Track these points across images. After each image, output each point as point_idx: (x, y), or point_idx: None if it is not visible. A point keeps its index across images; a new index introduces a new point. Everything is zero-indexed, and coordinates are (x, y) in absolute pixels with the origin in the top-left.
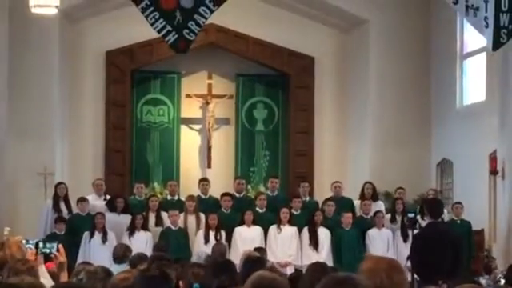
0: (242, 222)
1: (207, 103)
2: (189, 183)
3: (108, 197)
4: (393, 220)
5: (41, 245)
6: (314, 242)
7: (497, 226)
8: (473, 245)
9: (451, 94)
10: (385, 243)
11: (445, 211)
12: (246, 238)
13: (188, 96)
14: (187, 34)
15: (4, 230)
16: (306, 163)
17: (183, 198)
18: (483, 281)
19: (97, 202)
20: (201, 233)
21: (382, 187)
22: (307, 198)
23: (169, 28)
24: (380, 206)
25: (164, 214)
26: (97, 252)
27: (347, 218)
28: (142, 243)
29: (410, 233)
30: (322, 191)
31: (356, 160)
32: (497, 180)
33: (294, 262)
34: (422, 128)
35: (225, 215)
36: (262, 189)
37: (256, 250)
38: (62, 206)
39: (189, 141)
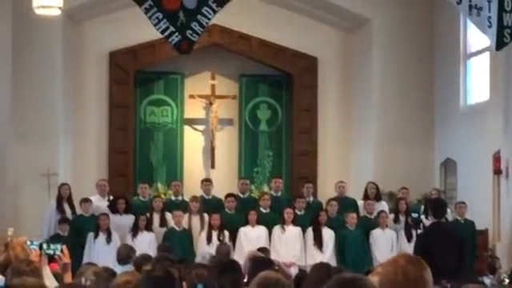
0: (246, 223)
1: (210, 104)
2: (192, 184)
3: (111, 198)
4: (396, 220)
5: (45, 246)
6: (319, 242)
7: (501, 226)
8: (477, 244)
9: (455, 94)
10: (389, 243)
11: (448, 211)
12: (251, 238)
13: (191, 97)
14: (190, 34)
15: (8, 230)
16: (309, 163)
17: (187, 199)
18: (487, 281)
19: (100, 203)
20: (204, 233)
21: (386, 187)
22: (311, 199)
23: (172, 29)
24: (383, 206)
25: (168, 215)
26: (101, 253)
27: (352, 218)
28: (146, 244)
29: (413, 233)
30: (326, 191)
31: (359, 160)
32: (501, 180)
33: (298, 262)
34: (426, 127)
35: (229, 216)
36: (265, 189)
37: (260, 250)
38: (66, 206)
39: (192, 141)
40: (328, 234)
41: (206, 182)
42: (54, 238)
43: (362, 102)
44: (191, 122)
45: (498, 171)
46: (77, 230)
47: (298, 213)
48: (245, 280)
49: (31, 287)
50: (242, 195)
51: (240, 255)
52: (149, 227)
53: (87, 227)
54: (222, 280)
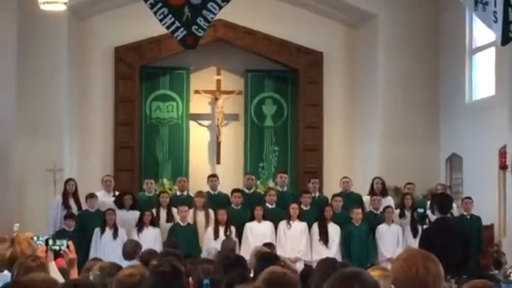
0: (252, 218)
1: (216, 99)
2: (198, 179)
3: (117, 193)
4: (402, 215)
5: (50, 242)
6: (324, 237)
7: (507, 221)
8: (482, 240)
9: (460, 89)
10: (394, 238)
11: (454, 206)
12: (258, 233)
13: (197, 92)
14: (196, 29)
15: (14, 226)
16: (315, 158)
17: (192, 194)
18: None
19: (106, 199)
20: (210, 229)
21: (392, 182)
22: (317, 194)
23: (177, 24)
24: (389, 201)
25: (174, 210)
26: (107, 248)
27: (357, 213)
28: (151, 239)
29: (419, 228)
30: (332, 186)
31: (365, 155)
32: (506, 175)
33: (303, 257)
34: (432, 123)
35: (235, 211)
36: (271, 184)
37: (265, 245)
38: (72, 202)
39: (198, 137)
40: (334, 230)
41: (213, 178)
42: (60, 234)
43: (368, 97)
44: (197, 118)
45: (503, 166)
46: (82, 225)
47: (304, 208)
48: (251, 275)
49: (42, 282)
50: (247, 190)
51: (246, 250)
52: (154, 222)
53: (92, 223)
54: (228, 275)
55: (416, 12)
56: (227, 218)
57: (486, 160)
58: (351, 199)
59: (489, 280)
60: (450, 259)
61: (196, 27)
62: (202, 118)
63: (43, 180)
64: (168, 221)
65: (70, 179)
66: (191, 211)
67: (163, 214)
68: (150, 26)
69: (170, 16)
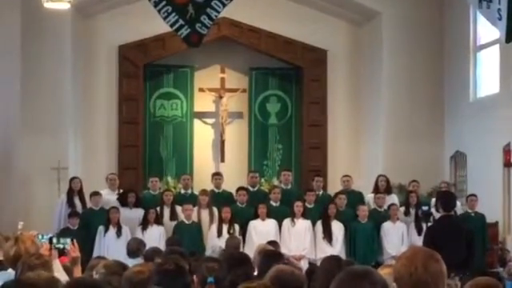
0: (256, 216)
1: (220, 97)
2: (202, 177)
3: (121, 191)
4: (406, 213)
5: (54, 240)
6: (328, 235)
7: (511, 219)
8: (487, 237)
9: (465, 87)
10: (399, 236)
11: (458, 204)
12: (262, 231)
13: (201, 90)
14: (200, 27)
15: (18, 224)
16: (319, 156)
17: (196, 192)
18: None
19: (110, 197)
20: (214, 226)
21: (396, 180)
22: (321, 192)
23: (181, 22)
24: (393, 199)
25: (178, 208)
26: (111, 246)
27: (363, 210)
28: (155, 237)
29: (424, 226)
30: (336, 184)
31: (369, 153)
32: (511, 172)
33: (307, 255)
34: (436, 120)
35: (239, 209)
36: (275, 182)
37: (269, 243)
38: (76, 200)
39: (202, 135)
40: (337, 228)
41: (217, 176)
42: (64, 232)
43: (372, 95)
44: (201, 116)
45: (508, 164)
46: (86, 223)
47: (308, 206)
48: (255, 273)
49: (44, 281)
50: (251, 188)
51: (250, 248)
52: (158, 221)
53: (97, 221)
54: (232, 273)
55: (420, 10)
56: (231, 216)
57: (491, 157)
58: (353, 198)
59: (492, 277)
60: (454, 257)
61: (200, 25)
62: (206, 116)
63: (48, 178)
64: (172, 219)
65: (74, 177)
66: (195, 209)
67: (167, 212)
68: (154, 24)
69: (174, 14)
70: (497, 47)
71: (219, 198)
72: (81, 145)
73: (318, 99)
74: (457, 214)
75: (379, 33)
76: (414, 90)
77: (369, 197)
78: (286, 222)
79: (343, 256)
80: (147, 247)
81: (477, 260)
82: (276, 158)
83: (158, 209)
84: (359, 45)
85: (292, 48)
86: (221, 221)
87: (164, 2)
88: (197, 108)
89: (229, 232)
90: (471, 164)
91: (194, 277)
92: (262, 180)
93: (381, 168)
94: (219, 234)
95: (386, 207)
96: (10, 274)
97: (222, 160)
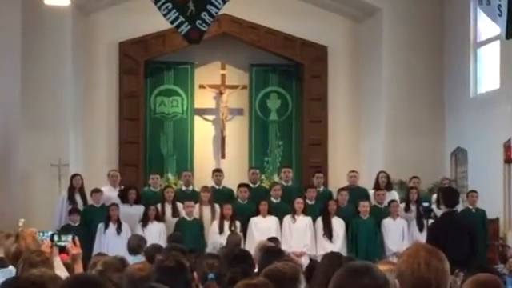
0: (256, 213)
1: (221, 93)
2: (203, 174)
3: (122, 188)
4: (407, 209)
5: (56, 238)
6: (328, 231)
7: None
8: (488, 233)
9: (465, 83)
10: (400, 232)
11: (460, 200)
12: (262, 228)
13: (201, 86)
14: (200, 24)
15: (19, 221)
16: (319, 153)
17: (197, 189)
18: (498, 269)
19: (111, 193)
20: (215, 223)
21: (396, 176)
22: (321, 188)
23: (182, 19)
24: (394, 195)
25: (179, 205)
26: (112, 243)
27: (364, 206)
28: (156, 234)
29: (425, 222)
30: (337, 181)
31: (370, 149)
32: (511, 168)
33: (308, 251)
34: (436, 117)
35: (241, 206)
36: (276, 179)
37: (270, 240)
38: (77, 197)
39: (203, 131)
40: (338, 224)
41: (217, 173)
42: (65, 229)
43: (373, 91)
44: (201, 112)
45: (508, 160)
46: (87, 220)
47: (309, 202)
48: (255, 270)
49: (44, 278)
50: (252, 185)
51: (251, 245)
52: (159, 217)
53: (97, 218)
54: (233, 270)
55: (420, 6)
56: (232, 212)
57: (491, 153)
58: (358, 193)
59: (492, 274)
60: (457, 253)
61: (200, 22)
62: (206, 112)
63: (48, 175)
64: (174, 215)
65: (76, 174)
66: (197, 206)
67: (168, 208)
68: (154, 20)
69: (174, 11)
70: (497, 43)
71: (219, 195)
72: (81, 141)
73: (319, 95)
74: (456, 210)
75: (379, 29)
76: (415, 87)
77: (369, 193)
78: (287, 218)
79: (344, 252)
80: (148, 244)
81: (478, 256)
82: (277, 155)
83: (160, 205)
84: (359, 41)
85: (292, 44)
86: (222, 217)
87: None
88: (197, 104)
89: (230, 229)
90: (472, 160)
91: (195, 273)
92: (263, 176)
93: (381, 164)
94: (221, 230)
95: (386, 204)
96: (11, 271)
97: (223, 156)
